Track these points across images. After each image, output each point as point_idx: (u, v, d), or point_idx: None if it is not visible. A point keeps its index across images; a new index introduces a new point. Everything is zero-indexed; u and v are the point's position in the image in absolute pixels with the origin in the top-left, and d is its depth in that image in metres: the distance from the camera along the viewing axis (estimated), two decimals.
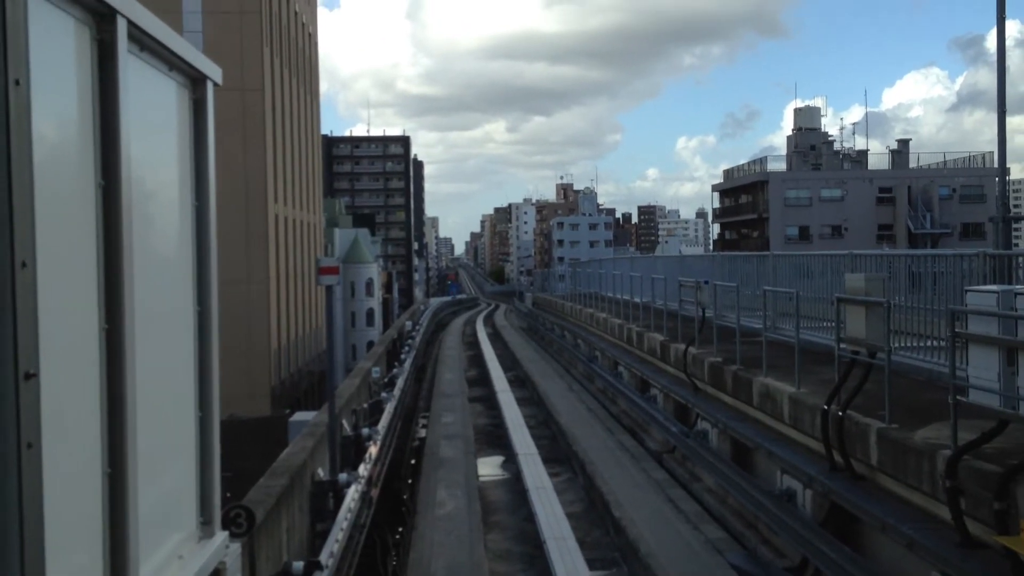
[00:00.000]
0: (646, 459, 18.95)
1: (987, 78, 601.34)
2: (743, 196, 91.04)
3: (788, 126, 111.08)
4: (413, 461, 21.75)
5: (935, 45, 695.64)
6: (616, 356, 27.13)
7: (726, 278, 20.68)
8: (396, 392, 23.35)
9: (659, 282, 24.06)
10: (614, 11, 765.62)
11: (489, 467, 20.09)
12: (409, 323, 49.24)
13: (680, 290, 20.40)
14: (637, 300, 27.35)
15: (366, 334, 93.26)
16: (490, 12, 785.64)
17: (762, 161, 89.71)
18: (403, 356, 32.49)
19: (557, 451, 21.19)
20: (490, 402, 29.23)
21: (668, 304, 22.33)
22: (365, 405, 19.13)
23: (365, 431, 15.87)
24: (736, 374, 15.66)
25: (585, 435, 21.35)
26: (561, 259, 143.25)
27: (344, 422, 15.13)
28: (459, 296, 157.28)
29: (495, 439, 23.22)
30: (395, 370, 27.33)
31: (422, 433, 24.10)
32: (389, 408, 20.44)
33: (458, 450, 20.90)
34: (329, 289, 12.80)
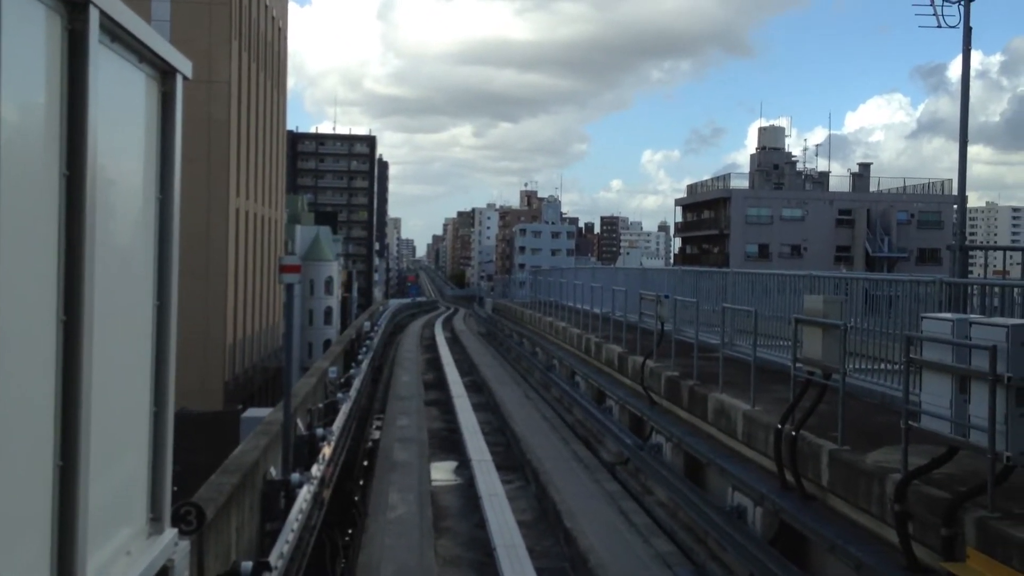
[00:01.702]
0: (599, 470, 18.99)
1: (948, 106, 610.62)
2: (705, 212, 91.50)
3: (751, 145, 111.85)
4: (366, 463, 21.64)
5: (898, 72, 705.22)
6: (574, 366, 27.18)
7: (687, 293, 20.80)
8: (352, 393, 23.19)
9: (619, 294, 24.14)
10: (585, 22, 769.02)
11: (442, 472, 20.03)
12: (367, 324, 49.03)
13: (640, 303, 20.47)
14: (597, 311, 27.42)
15: (324, 332, 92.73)
16: (461, 17, 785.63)
17: (725, 178, 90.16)
18: (360, 357, 32.29)
19: (511, 458, 21.19)
20: (446, 406, 29.18)
21: (628, 316, 22.40)
22: (320, 405, 18.99)
23: (319, 431, 15.74)
24: (692, 389, 15.74)
25: (540, 443, 21.36)
26: (522, 266, 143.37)
27: (299, 421, 15.01)
28: (419, 299, 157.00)
29: (449, 444, 23.17)
30: (352, 371, 27.16)
31: (376, 435, 24.00)
32: (344, 409, 20.29)
33: (412, 454, 20.82)
34: (290, 287, 12.71)
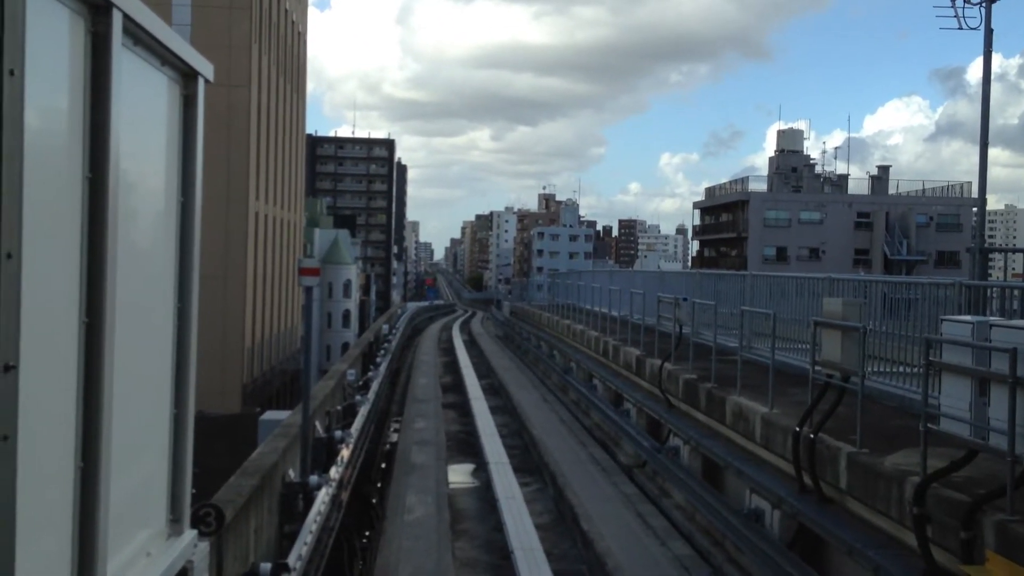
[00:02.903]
0: (617, 473, 18.96)
1: (966, 109, 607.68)
2: (723, 214, 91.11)
3: (770, 147, 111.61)
4: (384, 465, 21.66)
5: (917, 75, 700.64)
6: (591, 368, 27.16)
7: (706, 296, 20.80)
8: (370, 396, 23.18)
9: (637, 297, 24.12)
10: (602, 26, 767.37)
11: (460, 474, 20.01)
12: (386, 327, 49.10)
13: (659, 306, 20.45)
14: (615, 314, 27.42)
15: (342, 335, 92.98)
16: (479, 21, 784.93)
17: (743, 181, 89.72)
18: (379, 360, 32.28)
19: (528, 461, 21.15)
20: (463, 409, 29.16)
21: (646, 319, 22.38)
22: (339, 407, 19.02)
23: (338, 434, 15.78)
24: (710, 392, 15.71)
25: (557, 446, 21.34)
26: (540, 269, 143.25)
27: (317, 423, 15.04)
28: (436, 302, 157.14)
29: (467, 446, 23.15)
30: (370, 373, 27.13)
31: (394, 437, 24.02)
32: (363, 412, 20.29)
33: (429, 456, 20.82)
34: (309, 291, 12.73)
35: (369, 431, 21.82)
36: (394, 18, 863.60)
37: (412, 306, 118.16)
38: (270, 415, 28.81)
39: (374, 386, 25.34)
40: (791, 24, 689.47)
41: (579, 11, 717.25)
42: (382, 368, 30.22)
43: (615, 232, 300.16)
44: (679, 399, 17.66)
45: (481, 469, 20.03)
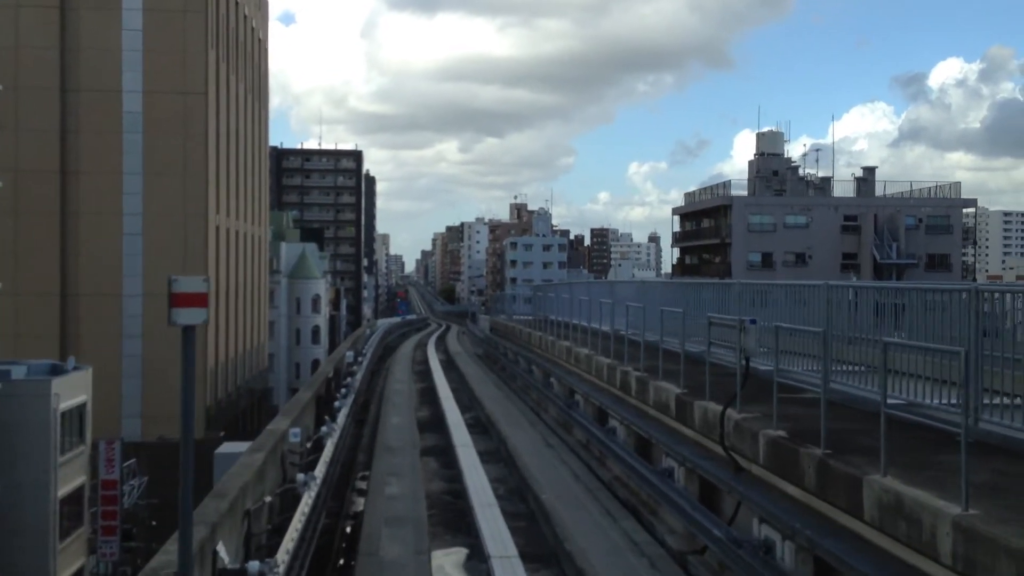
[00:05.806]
0: (667, 564, 13.65)
1: (928, 115, 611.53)
2: (705, 220, 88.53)
3: (737, 155, 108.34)
4: (342, 561, 15.84)
5: (878, 81, 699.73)
6: (606, 405, 21.68)
7: (744, 311, 15.69)
8: (320, 470, 16.80)
9: (671, 316, 18.56)
10: (567, 38, 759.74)
11: (449, 570, 14.47)
12: (351, 354, 42.58)
13: (709, 330, 15.19)
14: (622, 332, 22.43)
15: (311, 352, 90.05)
16: (444, 34, 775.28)
17: (725, 185, 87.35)
18: (337, 404, 25.58)
19: (540, 543, 15.56)
20: (446, 457, 23.53)
21: (687, 347, 17.16)
22: (268, 499, 12.70)
23: (254, 566, 9.75)
24: (824, 463, 10.49)
25: (576, 520, 15.85)
26: (514, 280, 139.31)
27: (220, 549, 9.17)
28: (409, 316, 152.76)
29: (455, 518, 17.52)
30: (323, 429, 20.32)
31: (360, 504, 18.41)
32: (304, 506, 14.06)
33: (406, 543, 15.00)
34: (188, 331, 7.31)
35: (315, 532, 15.22)
36: (359, 32, 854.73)
37: (384, 323, 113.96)
38: (227, 447, 23.34)
39: (328, 449, 18.92)
40: (753, 34, 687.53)
41: (544, 23, 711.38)
42: (341, 417, 23.54)
43: (587, 241, 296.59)
44: (756, 462, 12.51)
45: (477, 558, 14.57)
